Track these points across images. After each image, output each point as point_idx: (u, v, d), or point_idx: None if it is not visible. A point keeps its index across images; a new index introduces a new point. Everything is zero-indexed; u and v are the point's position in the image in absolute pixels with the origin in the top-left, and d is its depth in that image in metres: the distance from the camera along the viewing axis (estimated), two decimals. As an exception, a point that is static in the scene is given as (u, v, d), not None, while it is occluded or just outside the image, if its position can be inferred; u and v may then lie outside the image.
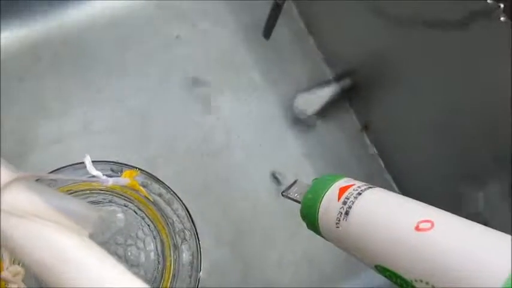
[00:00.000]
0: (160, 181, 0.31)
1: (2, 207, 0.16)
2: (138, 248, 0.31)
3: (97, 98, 0.40)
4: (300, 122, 0.43)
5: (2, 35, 0.40)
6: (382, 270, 0.21)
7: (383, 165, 0.43)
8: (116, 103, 0.40)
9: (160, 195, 0.31)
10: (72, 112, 0.39)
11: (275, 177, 0.41)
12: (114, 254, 0.31)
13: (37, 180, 0.27)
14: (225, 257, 0.38)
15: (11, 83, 0.39)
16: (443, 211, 0.21)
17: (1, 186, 0.15)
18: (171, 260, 0.29)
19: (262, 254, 0.39)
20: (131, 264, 0.31)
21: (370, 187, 0.23)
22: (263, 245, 0.39)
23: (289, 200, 0.27)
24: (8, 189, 0.16)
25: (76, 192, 0.30)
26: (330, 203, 0.23)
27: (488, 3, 0.28)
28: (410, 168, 0.41)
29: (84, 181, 0.26)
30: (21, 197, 0.16)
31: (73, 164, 0.29)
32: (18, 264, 0.20)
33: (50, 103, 0.39)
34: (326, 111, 0.43)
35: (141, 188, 0.29)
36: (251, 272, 0.38)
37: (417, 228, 0.20)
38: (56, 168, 0.29)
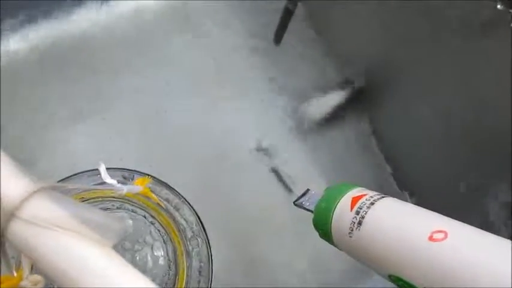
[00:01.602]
0: (169, 186, 0.31)
1: (25, 218, 0.16)
2: (146, 254, 0.31)
3: (104, 103, 0.40)
4: (308, 127, 0.43)
5: (9, 39, 0.40)
6: (396, 280, 0.21)
7: (392, 170, 0.43)
8: (123, 107, 0.40)
9: (167, 200, 0.31)
10: (79, 117, 0.39)
11: (283, 182, 0.41)
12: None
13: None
14: (233, 260, 0.38)
15: (18, 87, 0.39)
16: (456, 221, 0.21)
17: (24, 196, 0.16)
18: (183, 268, 0.29)
19: (270, 257, 0.39)
20: (139, 270, 0.31)
21: (383, 197, 0.23)
22: (271, 248, 0.39)
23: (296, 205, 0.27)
24: (31, 200, 0.16)
25: (88, 199, 0.30)
26: (342, 213, 0.23)
27: (499, 10, 0.28)
28: (419, 173, 0.41)
29: (100, 189, 0.26)
30: (44, 208, 0.16)
31: (87, 171, 0.29)
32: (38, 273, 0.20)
33: (57, 108, 0.39)
34: (335, 116, 0.43)
35: (153, 195, 0.29)
36: (259, 275, 0.38)
37: (431, 239, 0.20)
38: (70, 175, 0.29)
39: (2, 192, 0.16)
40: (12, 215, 0.16)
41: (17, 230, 0.16)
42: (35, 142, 0.38)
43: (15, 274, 0.20)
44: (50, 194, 0.16)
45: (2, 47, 0.40)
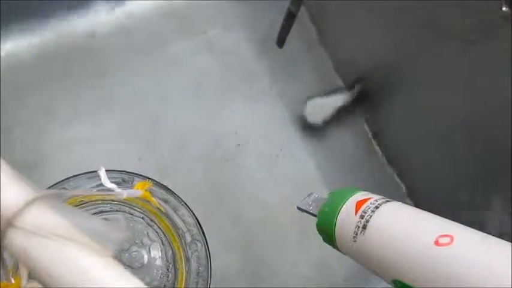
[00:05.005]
0: (169, 189, 0.31)
1: (23, 226, 0.16)
2: (143, 255, 0.31)
3: (107, 105, 0.40)
4: (310, 130, 0.43)
5: (13, 41, 0.40)
6: (400, 285, 0.21)
7: (394, 172, 0.43)
8: (126, 109, 0.40)
9: (166, 201, 0.31)
10: (82, 119, 0.39)
11: (285, 185, 0.41)
12: (119, 260, 0.30)
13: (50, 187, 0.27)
14: (235, 264, 0.38)
15: (21, 89, 0.39)
16: (461, 225, 0.21)
17: (23, 205, 0.15)
18: (183, 272, 0.29)
19: (273, 261, 0.39)
20: (136, 271, 0.30)
21: (388, 201, 0.23)
22: (273, 252, 0.39)
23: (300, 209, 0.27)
24: (30, 208, 0.16)
25: (87, 202, 0.30)
26: (346, 217, 0.23)
27: (503, 11, 0.28)
28: (421, 175, 0.41)
29: (100, 194, 0.26)
30: (43, 216, 0.16)
31: (86, 173, 0.28)
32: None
33: (60, 110, 0.39)
34: (337, 118, 0.43)
35: (153, 198, 0.29)
36: (261, 279, 0.38)
37: (436, 243, 0.20)
38: (69, 176, 0.29)
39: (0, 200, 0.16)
40: (10, 223, 0.15)
41: (15, 238, 0.16)
42: (37, 144, 0.38)
43: (13, 281, 0.19)
44: (49, 202, 0.16)
45: (2, 50, 0.40)
